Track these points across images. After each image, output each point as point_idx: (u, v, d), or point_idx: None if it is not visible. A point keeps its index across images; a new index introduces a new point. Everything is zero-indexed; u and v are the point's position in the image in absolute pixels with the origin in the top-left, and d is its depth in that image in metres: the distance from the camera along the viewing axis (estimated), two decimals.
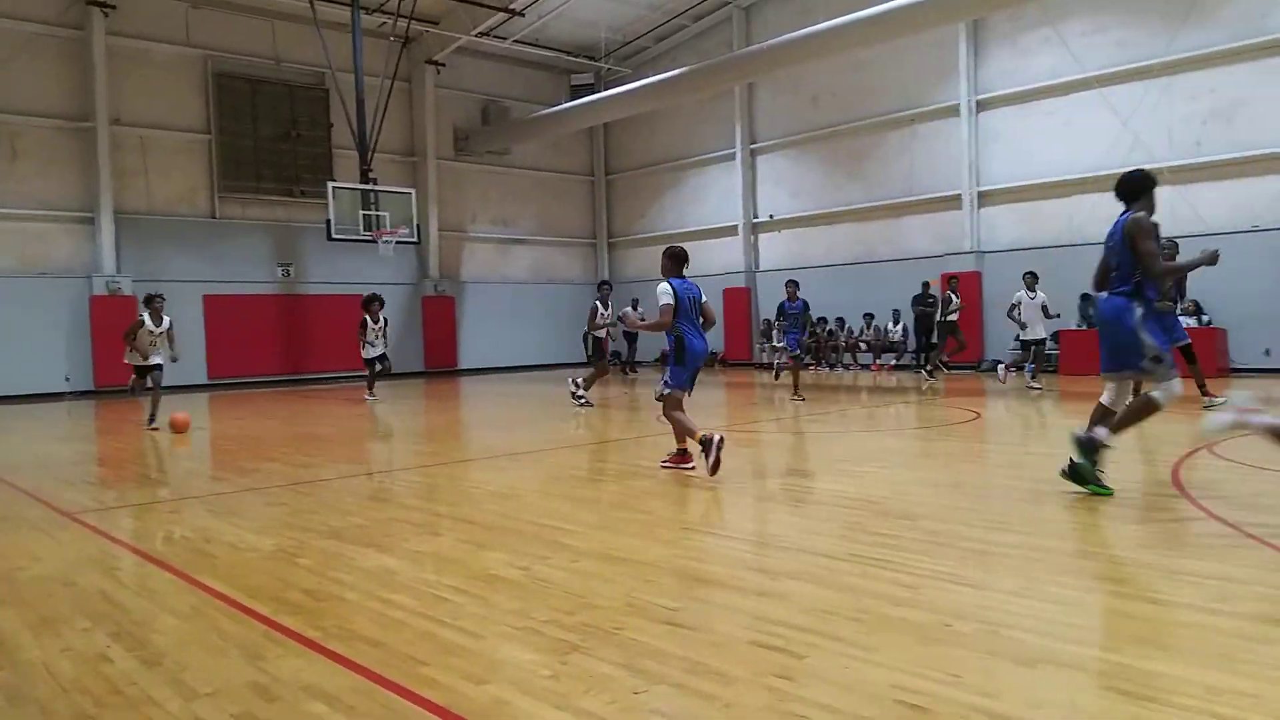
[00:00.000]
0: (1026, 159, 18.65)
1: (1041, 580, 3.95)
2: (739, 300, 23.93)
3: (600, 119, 24.43)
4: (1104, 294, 5.78)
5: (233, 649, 3.43)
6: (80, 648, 3.49)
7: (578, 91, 24.85)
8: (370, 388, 15.85)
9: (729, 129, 24.23)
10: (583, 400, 13.45)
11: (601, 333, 14.09)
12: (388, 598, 4.01)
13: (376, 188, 19.59)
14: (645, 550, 4.72)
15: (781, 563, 4.62)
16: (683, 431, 7.08)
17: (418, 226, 20.55)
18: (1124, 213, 5.71)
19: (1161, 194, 17.30)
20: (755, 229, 24.19)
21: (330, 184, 19.13)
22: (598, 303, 14.25)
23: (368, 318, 15.53)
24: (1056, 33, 17.93)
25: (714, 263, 24.55)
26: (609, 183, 28.36)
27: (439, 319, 24.07)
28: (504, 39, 23.49)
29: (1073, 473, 5.70)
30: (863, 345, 21.27)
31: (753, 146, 23.93)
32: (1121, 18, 17.13)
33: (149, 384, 11.87)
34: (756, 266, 24.18)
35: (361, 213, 19.18)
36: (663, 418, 7.35)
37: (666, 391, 7.11)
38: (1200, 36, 16.16)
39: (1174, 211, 16.61)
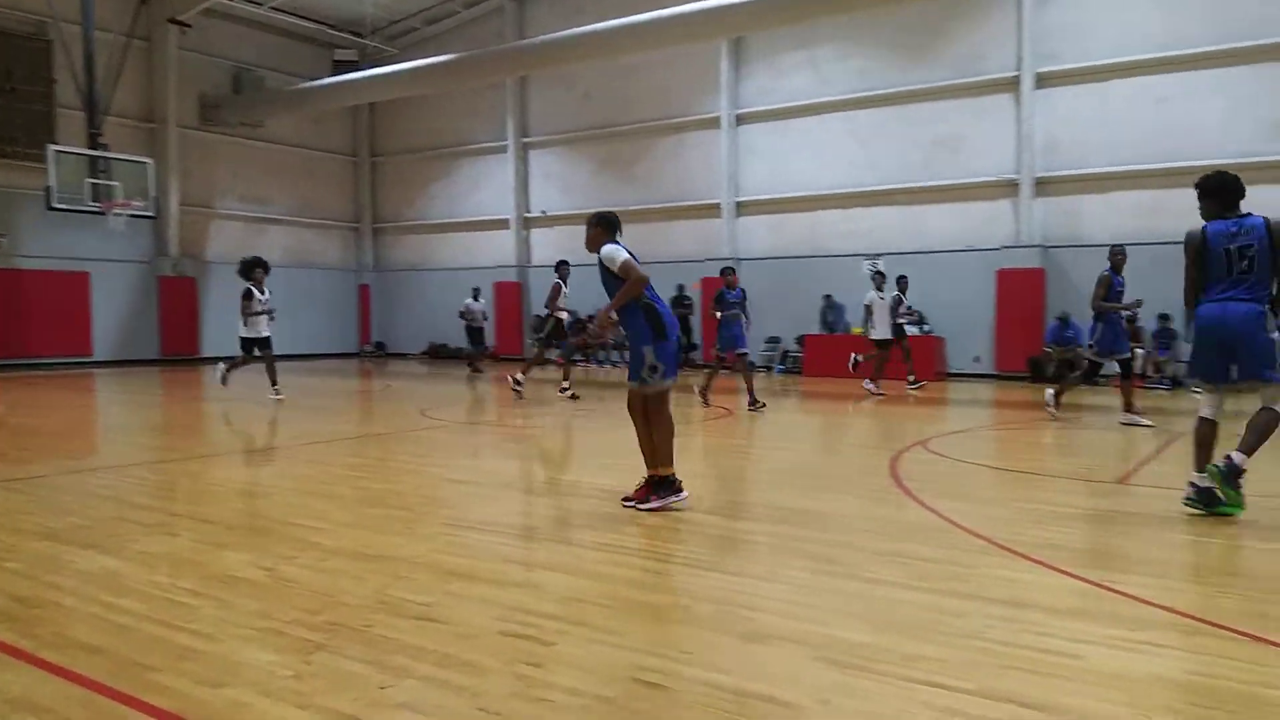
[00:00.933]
0: (779, 173, 19.95)
1: (774, 563, 4.31)
2: (510, 295, 23.92)
3: (364, 98, 23.53)
4: (1215, 303, 5.31)
5: None
6: None
7: (340, 67, 23.77)
8: (274, 380, 12.69)
9: (501, 121, 24.11)
10: (566, 390, 12.78)
11: (564, 314, 13.03)
12: (112, 602, 3.71)
13: (107, 154, 17.79)
14: (401, 547, 4.66)
15: (537, 554, 4.72)
16: (661, 453, 5.41)
17: (155, 199, 18.86)
18: (1247, 215, 5.28)
19: (894, 213, 19.05)
20: (527, 223, 24.24)
21: (51, 147, 17.16)
22: (560, 281, 13.00)
23: (252, 287, 12.55)
24: (809, 57, 19.31)
25: (485, 256, 24.46)
26: (375, 165, 27.37)
27: (178, 301, 22.18)
28: (259, 3, 22.05)
29: (1207, 501, 5.26)
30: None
31: (525, 140, 23.95)
32: (865, 48, 18.73)
33: None
34: (529, 261, 24.25)
35: (89, 181, 17.36)
36: (636, 416, 5.55)
37: (662, 382, 5.39)
38: (930, 72, 18.00)
39: (904, 229, 18.44)
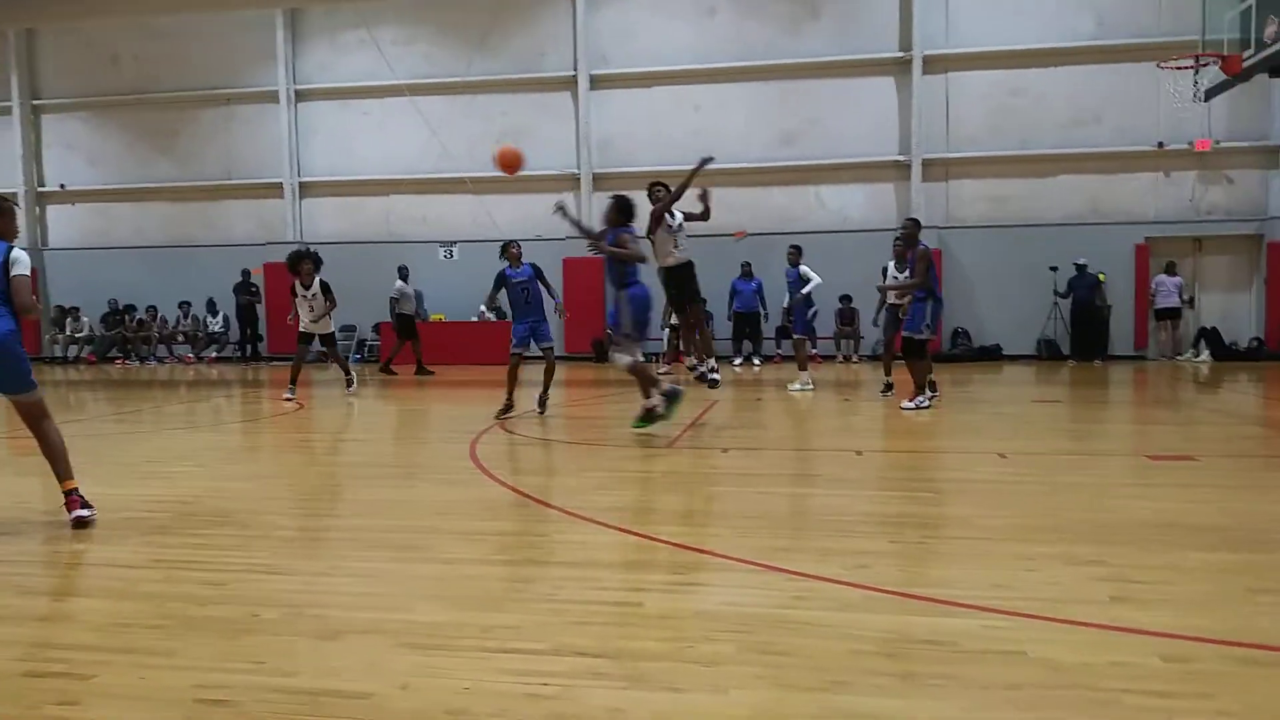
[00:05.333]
0: (346, 154, 19.28)
1: (349, 558, 4.17)
2: None
3: None
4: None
5: None
6: None
7: None
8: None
9: (3, 79, 20.29)
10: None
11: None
12: None
13: None
14: None
15: (69, 582, 4.09)
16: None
17: None
18: None
19: (465, 201, 19.12)
20: (41, 199, 20.73)
21: None
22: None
23: None
24: (371, 36, 18.83)
25: None
26: None
27: None
28: None
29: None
30: (180, 336, 19.73)
31: (36, 103, 20.43)
32: (429, 33, 18.75)
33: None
34: (44, 244, 20.75)
35: None
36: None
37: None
38: (492, 64, 18.52)
39: (475, 217, 18.81)
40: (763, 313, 16.43)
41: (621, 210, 7.61)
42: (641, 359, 7.59)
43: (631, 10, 18.11)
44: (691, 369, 9.34)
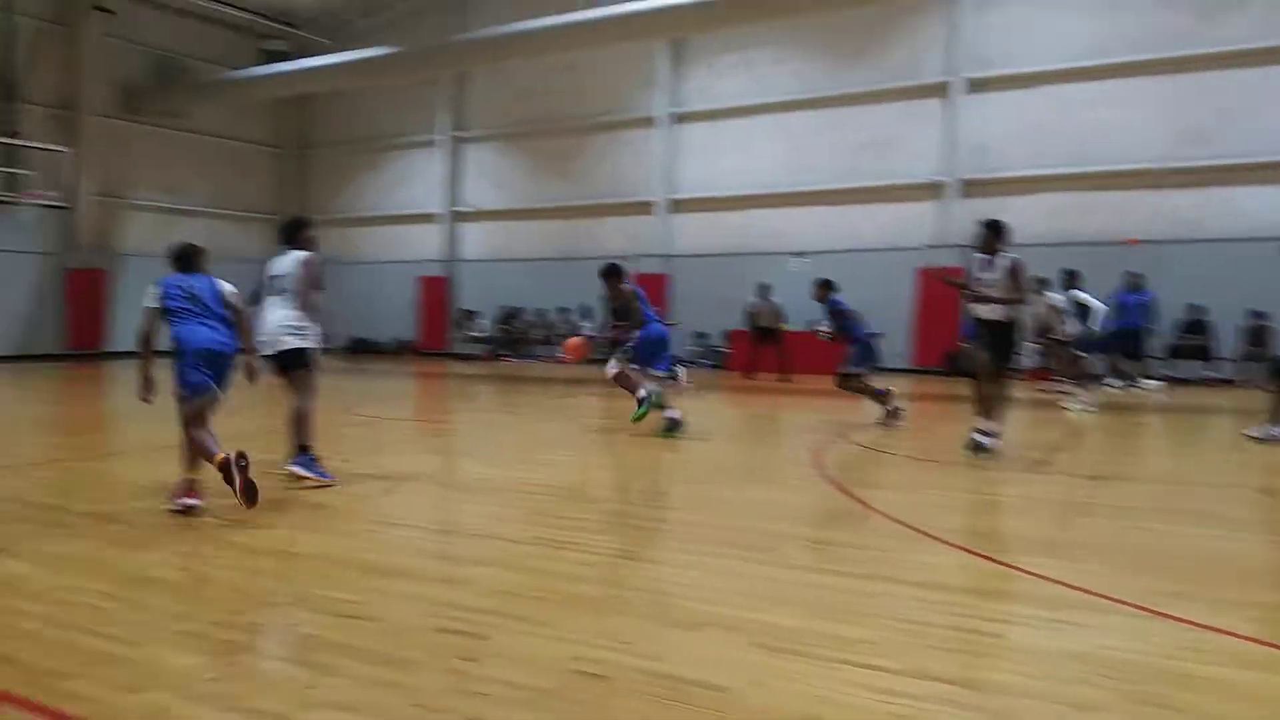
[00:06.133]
0: (714, 172, 20.11)
1: (703, 553, 4.34)
2: (435, 289, 23.74)
3: (293, 89, 22.87)
4: None
5: None
6: None
7: (269, 57, 23.09)
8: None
9: (431, 114, 23.81)
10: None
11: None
12: (18, 607, 3.54)
13: (23, 143, 17.03)
14: (326, 545, 4.55)
15: (467, 550, 4.67)
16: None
17: (69, 189, 18.08)
18: None
19: (822, 213, 19.02)
20: (457, 218, 24.03)
21: None
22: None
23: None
24: (745, 59, 19.52)
25: (412, 249, 24.21)
26: (302, 157, 26.70)
27: (86, 294, 21.18)
28: None
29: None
30: (558, 339, 21.85)
31: (460, 135, 23.69)
32: (800, 52, 18.99)
33: None
34: (458, 256, 24.07)
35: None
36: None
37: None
38: (862, 76, 18.30)
39: (831, 228, 18.72)
40: (1149, 329, 14.61)
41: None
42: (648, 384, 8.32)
43: (1021, 8, 17.01)
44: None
